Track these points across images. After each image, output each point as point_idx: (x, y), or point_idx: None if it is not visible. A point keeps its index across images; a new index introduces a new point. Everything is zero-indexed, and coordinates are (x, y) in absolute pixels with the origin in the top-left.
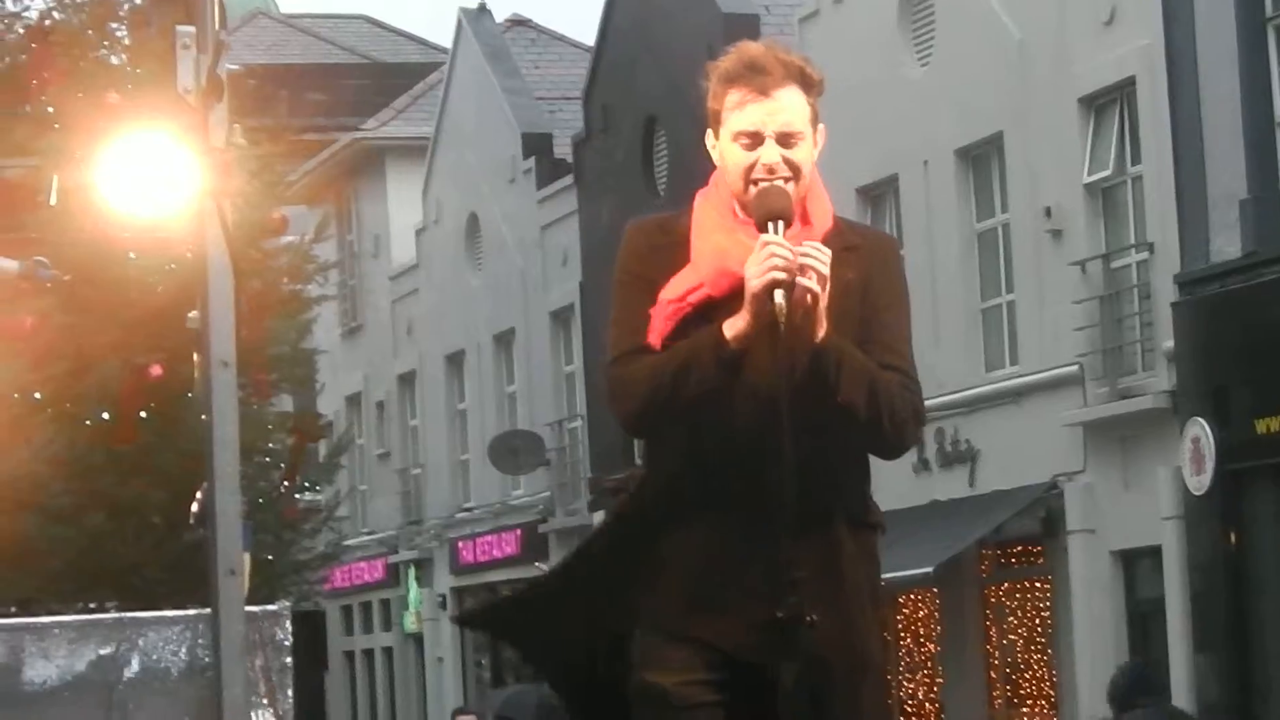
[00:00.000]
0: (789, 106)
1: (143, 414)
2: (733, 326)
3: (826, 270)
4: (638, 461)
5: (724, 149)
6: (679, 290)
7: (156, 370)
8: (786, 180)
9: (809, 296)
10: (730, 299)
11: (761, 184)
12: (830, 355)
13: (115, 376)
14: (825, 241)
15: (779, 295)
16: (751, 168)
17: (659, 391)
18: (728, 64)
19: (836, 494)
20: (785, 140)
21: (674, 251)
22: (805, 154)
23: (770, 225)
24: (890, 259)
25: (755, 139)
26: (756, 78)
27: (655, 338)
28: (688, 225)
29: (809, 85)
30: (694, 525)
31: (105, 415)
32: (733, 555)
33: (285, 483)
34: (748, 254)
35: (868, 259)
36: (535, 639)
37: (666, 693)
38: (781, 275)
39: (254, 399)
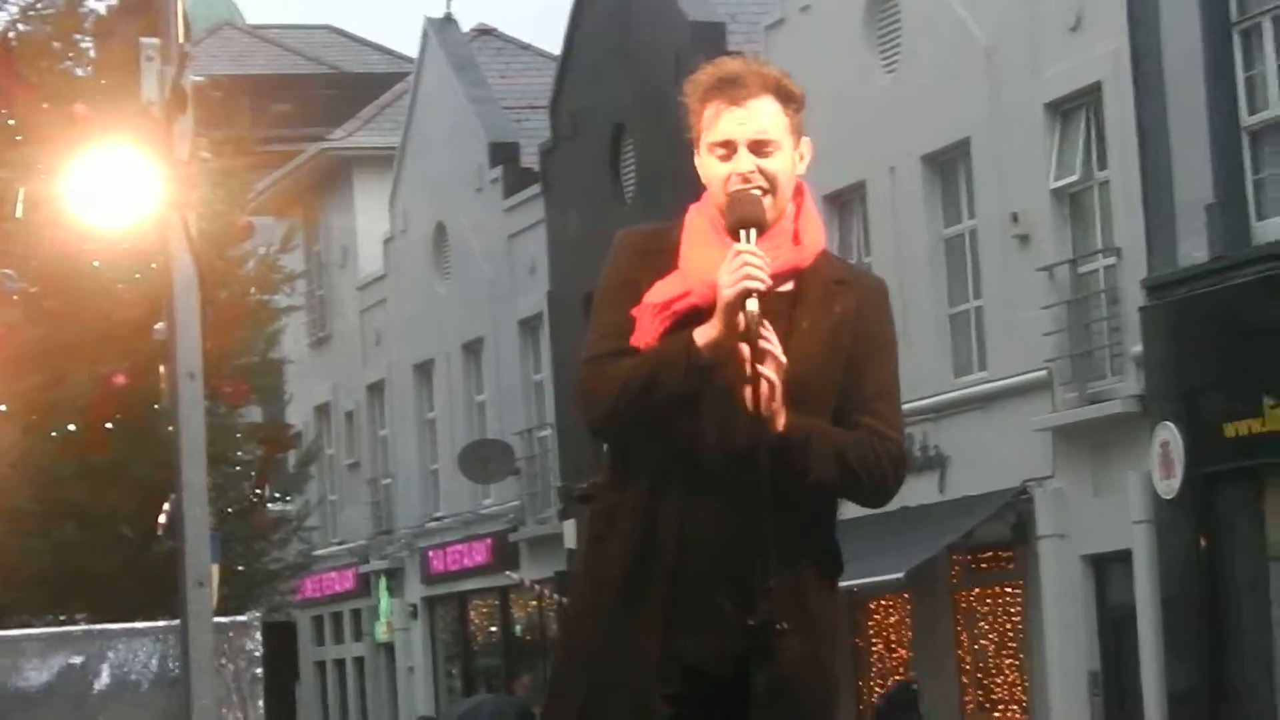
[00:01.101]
0: (762, 115)
1: (109, 425)
2: (704, 334)
3: (765, 281)
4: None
5: (704, 162)
6: (665, 296)
7: (120, 379)
8: (764, 192)
9: (767, 386)
10: (713, 309)
11: (734, 191)
12: (795, 441)
13: (84, 388)
14: (813, 266)
15: (751, 303)
16: (728, 178)
17: (628, 394)
18: (703, 77)
19: (810, 511)
20: (759, 149)
21: (664, 259)
22: (781, 164)
23: (743, 233)
24: (881, 303)
25: (729, 148)
26: (730, 89)
27: (638, 341)
28: (679, 235)
29: (787, 98)
30: (660, 538)
31: (72, 427)
32: (709, 567)
33: (255, 492)
34: None
35: (858, 298)
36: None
37: (627, 702)
38: (754, 285)
39: (226, 403)
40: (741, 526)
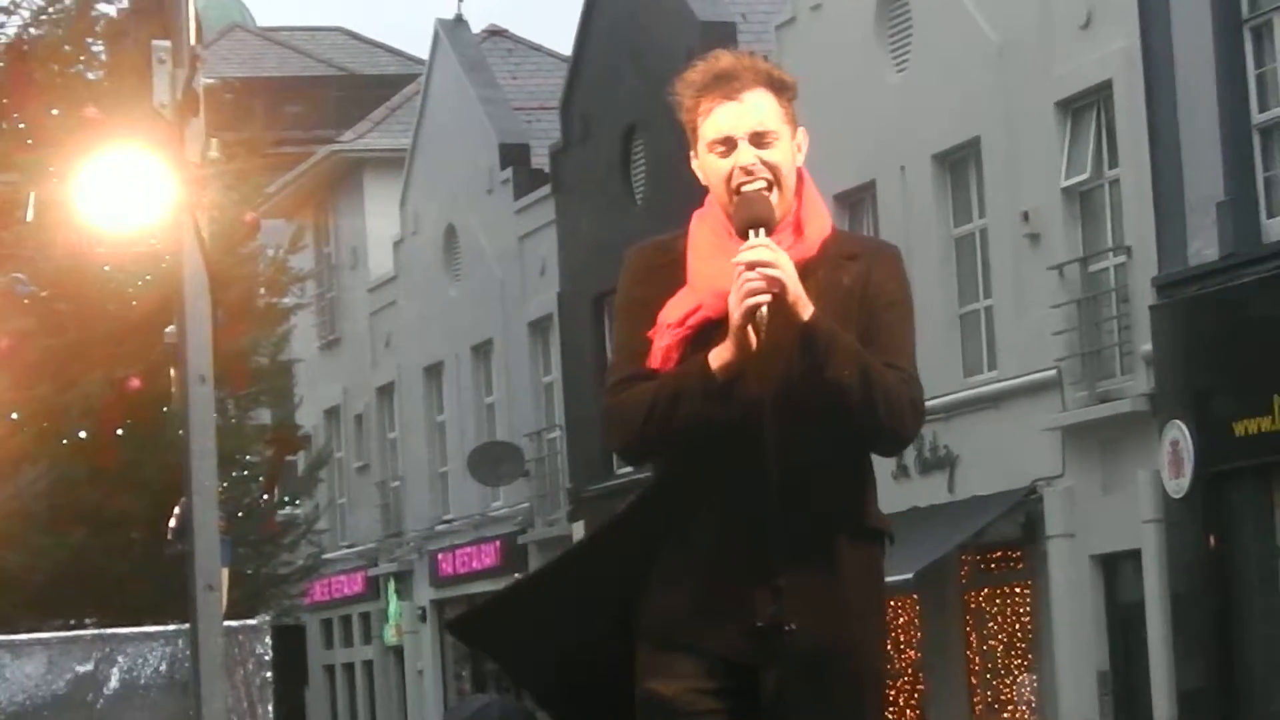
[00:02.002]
0: (758, 107)
1: (119, 431)
2: (718, 357)
3: (777, 262)
4: (617, 472)
5: (703, 162)
6: (678, 314)
7: (135, 383)
8: (769, 185)
9: (773, 286)
10: (728, 319)
11: (743, 190)
12: (819, 332)
13: (96, 393)
14: (823, 250)
15: (761, 310)
16: (731, 174)
17: (650, 424)
18: (695, 76)
19: (830, 503)
20: (758, 140)
21: (672, 271)
22: (781, 154)
23: (751, 233)
24: (890, 263)
25: (729, 144)
26: (724, 84)
27: (658, 362)
28: (685, 245)
29: (780, 88)
30: (690, 532)
31: (83, 434)
32: (726, 562)
33: (264, 496)
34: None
35: (867, 265)
36: (523, 650)
37: (668, 701)
38: (760, 299)
39: (230, 395)
40: (754, 525)
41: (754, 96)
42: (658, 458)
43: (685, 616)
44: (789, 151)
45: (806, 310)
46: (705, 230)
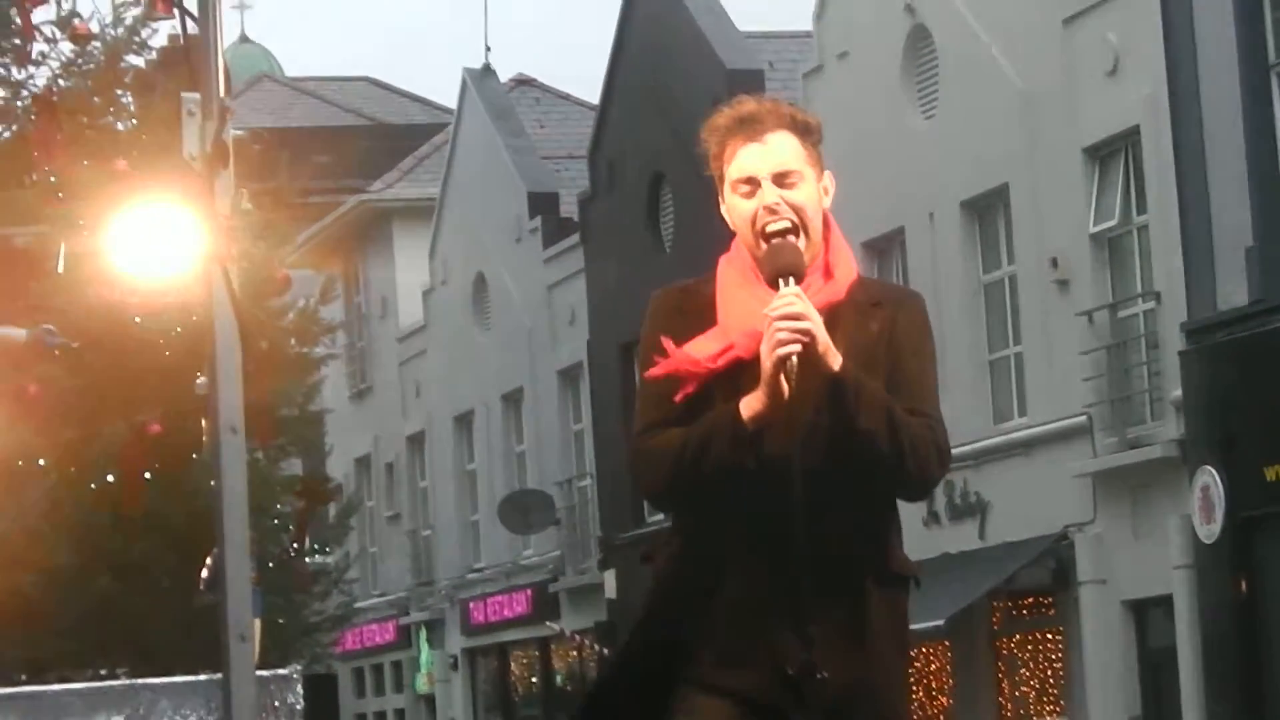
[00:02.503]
0: (781, 148)
1: (148, 475)
2: (749, 407)
3: (807, 314)
4: (648, 520)
5: (730, 206)
6: (709, 351)
7: (155, 428)
8: (792, 228)
9: (804, 337)
10: (758, 361)
11: (771, 237)
12: (848, 383)
13: (120, 439)
14: (849, 296)
15: (791, 360)
16: (756, 215)
17: (680, 471)
18: (719, 120)
19: (858, 548)
20: (781, 180)
21: (700, 317)
22: (806, 195)
23: (781, 281)
24: (915, 311)
25: (753, 184)
26: (747, 127)
27: (680, 395)
28: (712, 290)
29: (804, 130)
30: (720, 580)
31: (110, 478)
32: (756, 610)
33: (294, 546)
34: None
35: (893, 312)
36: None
37: None
38: (790, 349)
39: (257, 448)
40: (784, 572)
41: (777, 138)
42: (685, 506)
43: (716, 662)
44: (814, 193)
45: (835, 360)
46: (733, 273)
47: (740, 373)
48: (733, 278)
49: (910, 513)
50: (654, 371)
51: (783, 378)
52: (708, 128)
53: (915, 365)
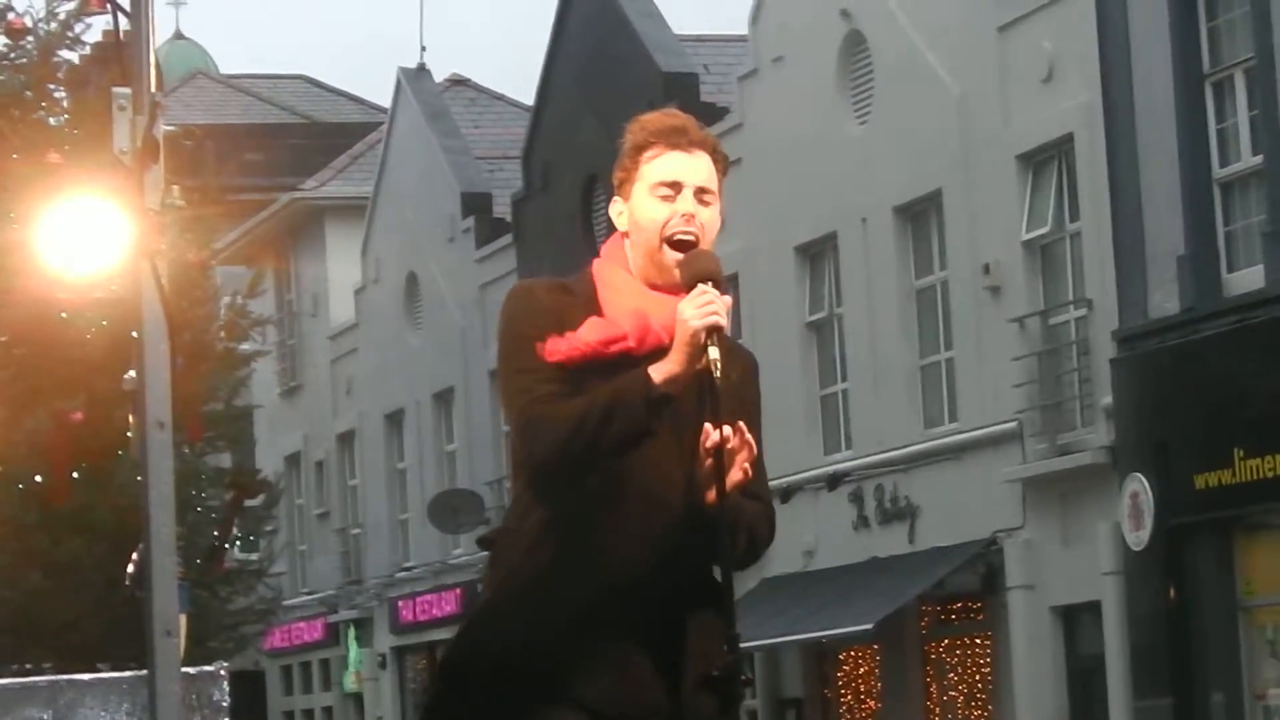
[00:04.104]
0: (705, 167)
1: (76, 471)
2: (661, 370)
3: (726, 321)
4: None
5: (639, 205)
6: (599, 335)
7: (77, 416)
8: (695, 243)
9: (746, 450)
10: (645, 359)
11: (677, 244)
12: (731, 511)
13: (43, 430)
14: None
15: (713, 351)
16: (668, 220)
17: (583, 431)
18: (652, 120)
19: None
20: (700, 196)
21: (582, 311)
22: (712, 217)
23: (700, 285)
24: (755, 376)
25: (676, 189)
26: (680, 135)
27: (549, 361)
28: (591, 287)
29: (722, 161)
30: (594, 573)
31: (39, 478)
32: (635, 608)
33: (216, 534)
34: (670, 315)
35: (742, 367)
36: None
37: None
38: (721, 320)
39: (185, 443)
40: (666, 573)
41: (703, 158)
42: (575, 478)
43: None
44: (717, 219)
45: (726, 489)
46: (619, 270)
47: (625, 366)
48: (621, 276)
49: (839, 517)
50: (557, 357)
51: (705, 359)
52: (639, 123)
53: (758, 440)
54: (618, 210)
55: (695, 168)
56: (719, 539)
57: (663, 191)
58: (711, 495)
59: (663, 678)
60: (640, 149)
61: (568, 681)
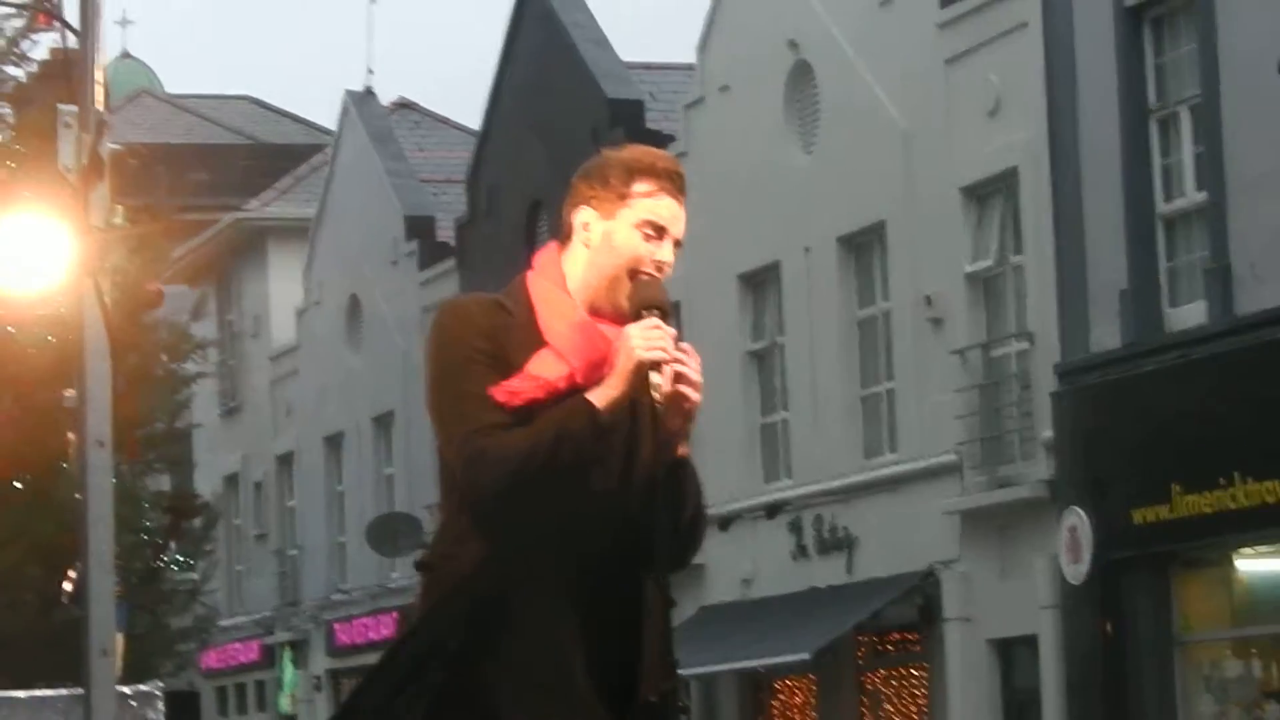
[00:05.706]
0: (684, 219)
1: (17, 484)
2: (603, 396)
3: (699, 380)
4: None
5: (620, 231)
6: (553, 373)
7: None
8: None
9: (688, 405)
10: (585, 386)
11: (640, 277)
12: (688, 469)
13: None
14: None
15: (655, 376)
16: (644, 260)
17: (533, 460)
18: (656, 159)
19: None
20: (675, 247)
21: (521, 331)
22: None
23: (645, 314)
24: None
25: (660, 234)
26: (678, 182)
27: (509, 405)
28: (526, 304)
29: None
30: (541, 610)
31: None
32: (579, 632)
33: (160, 559)
34: (610, 346)
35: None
36: None
37: None
38: (665, 356)
39: (124, 462)
40: (608, 594)
41: (682, 210)
42: (523, 511)
43: (537, 700)
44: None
45: (686, 446)
46: (556, 291)
47: (567, 393)
48: (560, 298)
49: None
50: (514, 400)
51: (654, 392)
52: (648, 153)
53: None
54: (585, 220)
55: (679, 219)
56: (665, 496)
57: (648, 231)
58: (684, 449)
59: (602, 699)
60: (637, 177)
61: (508, 704)
